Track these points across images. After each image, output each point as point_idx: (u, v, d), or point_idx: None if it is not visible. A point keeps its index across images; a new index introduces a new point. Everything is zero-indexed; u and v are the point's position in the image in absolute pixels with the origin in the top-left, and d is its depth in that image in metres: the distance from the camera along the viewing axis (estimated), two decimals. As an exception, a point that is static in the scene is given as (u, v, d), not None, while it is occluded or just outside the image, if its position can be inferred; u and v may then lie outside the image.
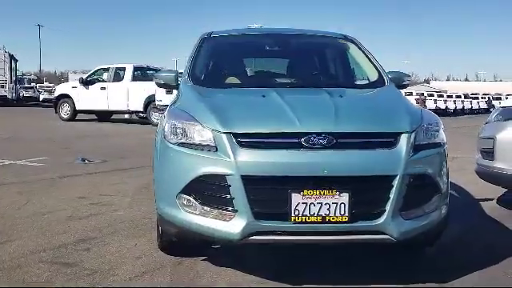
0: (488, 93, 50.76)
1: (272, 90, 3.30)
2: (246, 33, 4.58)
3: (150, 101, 15.59)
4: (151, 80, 16.25)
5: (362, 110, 3.08)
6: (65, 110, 17.28)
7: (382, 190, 2.65)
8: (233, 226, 2.63)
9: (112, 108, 16.58)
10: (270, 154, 2.64)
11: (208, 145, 2.74)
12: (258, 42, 4.40)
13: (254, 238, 2.63)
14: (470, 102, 41.17)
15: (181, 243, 3.22)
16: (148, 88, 15.58)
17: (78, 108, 16.98)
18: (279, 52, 4.34)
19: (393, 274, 3.06)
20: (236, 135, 2.68)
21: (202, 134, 2.79)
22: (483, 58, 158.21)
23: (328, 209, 2.59)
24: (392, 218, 2.64)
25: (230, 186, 2.62)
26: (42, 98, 36.00)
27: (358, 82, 3.96)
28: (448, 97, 38.83)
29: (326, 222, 2.60)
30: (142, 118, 18.10)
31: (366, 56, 4.15)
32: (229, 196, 2.63)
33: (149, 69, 17.66)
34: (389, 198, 2.64)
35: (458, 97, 40.76)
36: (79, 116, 17.52)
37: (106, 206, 4.75)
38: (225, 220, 2.66)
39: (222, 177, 2.64)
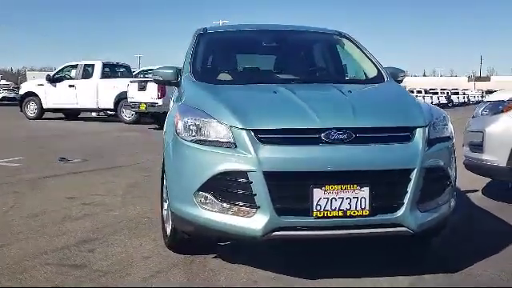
0: (445, 88, 52.34)
1: (280, 85, 3.31)
2: (242, 29, 4.55)
3: (120, 98, 15.31)
4: (121, 77, 16.25)
5: (377, 105, 3.12)
6: (31, 109, 16.76)
7: (401, 183, 2.69)
8: (255, 222, 2.63)
9: (81, 106, 16.19)
10: (291, 149, 2.64)
11: (227, 141, 2.72)
12: (255, 37, 4.39)
13: (276, 233, 2.63)
14: (431, 97, 42.24)
15: (192, 241, 3.20)
16: (118, 85, 15.32)
17: (45, 106, 16.51)
18: (277, 48, 4.34)
19: (400, 264, 3.11)
20: (256, 132, 2.67)
21: (219, 130, 2.76)
22: (440, 54, 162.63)
23: (349, 203, 2.62)
24: (410, 211, 2.70)
25: (251, 182, 2.61)
26: (0, 96, 34.77)
27: (360, 78, 3.99)
28: (409, 92, 39.68)
29: (347, 217, 2.63)
30: (110, 116, 17.77)
31: (363, 52, 4.20)
32: (250, 192, 2.62)
33: (118, 65, 17.35)
34: (407, 191, 2.69)
35: (419, 92, 41.76)
36: (46, 114, 17.03)
37: (99, 206, 4.64)
38: (246, 216, 2.65)
39: (244, 173, 2.62)
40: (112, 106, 15.68)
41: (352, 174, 2.62)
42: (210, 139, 2.78)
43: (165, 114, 11.35)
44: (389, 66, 4.08)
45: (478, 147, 4.64)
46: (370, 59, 4.11)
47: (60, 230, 3.87)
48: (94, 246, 3.50)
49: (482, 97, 59.20)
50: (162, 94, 12.67)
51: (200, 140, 2.80)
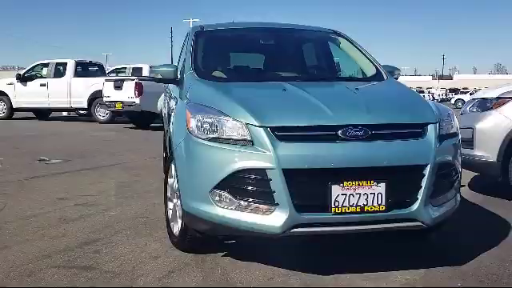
0: (410, 87, 53.60)
1: (287, 83, 3.33)
2: (239, 27, 4.56)
3: (94, 97, 15.01)
4: (94, 76, 15.92)
5: (388, 102, 3.18)
6: (0, 109, 16.25)
7: (415, 178, 2.75)
8: (273, 219, 2.64)
9: (53, 105, 15.78)
10: (310, 146, 2.66)
11: (243, 139, 2.72)
12: (254, 36, 4.40)
13: (294, 230, 2.65)
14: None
15: (202, 240, 3.18)
16: (92, 84, 15.02)
17: (15, 106, 16.02)
18: (276, 46, 4.36)
19: (403, 256, 3.18)
20: (273, 129, 2.68)
21: (235, 128, 2.76)
22: (404, 53, 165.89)
23: (366, 199, 2.66)
24: (424, 206, 2.76)
25: (270, 179, 2.62)
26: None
27: (361, 75, 4.04)
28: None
29: (365, 212, 2.67)
30: (82, 116, 17.40)
31: (360, 50, 4.27)
32: (269, 190, 2.63)
33: (91, 64, 17.00)
34: (421, 186, 2.75)
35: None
36: (16, 114, 16.55)
37: (93, 207, 4.56)
38: (264, 214, 2.66)
39: (262, 171, 2.63)
40: (85, 106, 15.35)
41: (369, 170, 2.67)
42: (225, 137, 2.77)
43: (143, 112, 11.16)
44: (385, 65, 4.15)
45: (468, 143, 4.76)
46: (367, 57, 4.17)
47: (59, 232, 3.78)
48: (98, 247, 3.44)
49: (446, 95, 60.79)
50: (140, 92, 12.50)
51: (215, 138, 2.79)
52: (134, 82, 12.67)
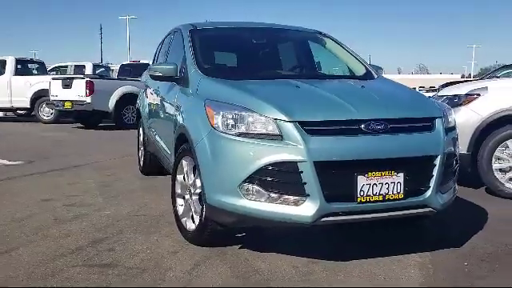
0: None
1: (296, 81, 3.49)
2: (233, 26, 4.67)
3: (37, 96, 14.40)
4: (36, 74, 15.24)
5: (398, 98, 3.41)
6: None
7: (428, 168, 3.01)
8: (305, 209, 2.78)
9: (-9, 105, 14.96)
10: (337, 140, 2.84)
11: (272, 134, 2.84)
12: (248, 35, 4.51)
13: (324, 219, 2.81)
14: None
15: (220, 234, 3.27)
16: (35, 82, 14.41)
17: None
18: (271, 45, 4.52)
19: (405, 242, 3.44)
20: (302, 124, 2.82)
21: (263, 123, 2.87)
22: (372, 52, 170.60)
23: (387, 188, 2.88)
24: (435, 193, 3.02)
25: (301, 171, 2.76)
26: None
27: (355, 74, 4.25)
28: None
29: (386, 200, 2.89)
30: (21, 116, 16.61)
31: (346, 49, 4.51)
32: (300, 181, 2.77)
33: (32, 62, 16.28)
34: (433, 175, 3.01)
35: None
36: None
37: (84, 207, 4.48)
38: (295, 205, 2.80)
39: (294, 163, 2.77)
40: (28, 105, 14.68)
41: (390, 161, 2.88)
42: (253, 132, 2.88)
43: (93, 112, 10.85)
44: (370, 64, 4.42)
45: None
46: (355, 57, 4.42)
47: (61, 232, 3.72)
48: (109, 245, 3.43)
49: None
50: (91, 91, 12.16)
51: (244, 133, 2.89)
52: (85, 80, 12.32)
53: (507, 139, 4.86)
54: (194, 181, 3.35)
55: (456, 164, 3.30)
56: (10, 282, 2.80)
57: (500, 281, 2.84)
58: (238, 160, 2.88)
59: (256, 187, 2.85)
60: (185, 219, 3.53)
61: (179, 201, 3.64)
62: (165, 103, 4.31)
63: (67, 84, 12.55)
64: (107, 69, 18.99)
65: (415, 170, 2.97)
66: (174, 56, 4.65)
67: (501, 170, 4.90)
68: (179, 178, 3.61)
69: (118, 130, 12.44)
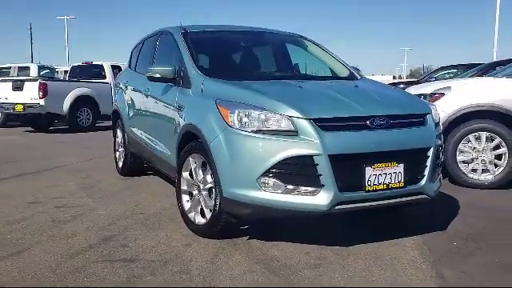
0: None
1: (295, 81, 3.76)
2: (222, 29, 4.85)
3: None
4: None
5: (393, 96, 3.73)
6: None
7: (423, 159, 3.35)
8: (320, 199, 3.04)
9: None
10: (348, 134, 3.12)
11: (288, 130, 3.07)
12: (238, 37, 4.72)
13: (337, 207, 3.08)
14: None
15: (231, 226, 3.46)
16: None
17: None
18: (260, 48, 4.75)
19: (396, 228, 3.78)
20: (316, 120, 3.08)
21: (278, 121, 3.10)
22: None
23: (390, 178, 3.19)
24: (428, 181, 3.37)
25: (317, 164, 3.02)
26: None
27: (341, 75, 4.55)
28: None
29: (389, 189, 3.20)
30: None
31: (327, 52, 4.83)
32: (316, 173, 3.02)
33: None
34: (426, 165, 3.36)
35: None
36: None
37: (77, 208, 4.50)
38: (312, 195, 3.05)
39: (310, 157, 3.02)
40: (-29, 109, 14.00)
41: (393, 153, 3.20)
42: (270, 129, 3.10)
43: (48, 115, 10.60)
44: (351, 66, 4.75)
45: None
46: (336, 59, 4.74)
47: (65, 233, 3.75)
48: (121, 242, 3.53)
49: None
50: (45, 93, 11.83)
51: (261, 130, 3.10)
52: (38, 82, 11.96)
53: (469, 134, 5.35)
54: (204, 176, 3.52)
55: (442, 155, 3.68)
56: (37, 278, 2.86)
57: (487, 257, 3.21)
58: (257, 155, 3.08)
59: (274, 180, 3.07)
60: (192, 214, 3.68)
61: (185, 197, 3.79)
62: (160, 103, 4.42)
63: (18, 86, 12.14)
64: (52, 70, 18.46)
65: (412, 160, 3.30)
66: (163, 58, 4.78)
67: (464, 161, 5.39)
68: (185, 174, 3.76)
69: (71, 133, 12.18)
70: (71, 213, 4.33)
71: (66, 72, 18.50)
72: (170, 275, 2.91)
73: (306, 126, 3.06)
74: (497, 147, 5.29)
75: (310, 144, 3.02)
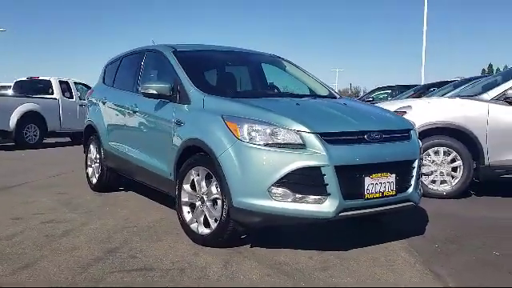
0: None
1: (290, 99, 4.08)
2: (209, 49, 5.06)
3: None
4: None
5: (381, 114, 4.09)
6: None
7: (410, 169, 3.74)
8: (327, 206, 3.32)
9: None
10: (349, 147, 3.43)
11: (296, 143, 3.34)
12: (226, 57, 4.97)
13: (341, 214, 3.37)
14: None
15: (236, 235, 3.66)
16: None
17: None
18: (246, 67, 5.02)
19: (382, 234, 4.13)
20: (321, 134, 3.37)
21: (286, 135, 3.36)
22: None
23: (385, 186, 3.54)
24: (414, 190, 3.75)
25: (324, 174, 3.30)
26: None
27: (323, 94, 4.89)
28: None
29: (384, 197, 3.54)
30: None
31: (305, 72, 5.19)
32: (323, 183, 3.31)
33: None
34: (412, 175, 3.74)
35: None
36: None
37: (65, 223, 4.48)
38: (318, 203, 3.32)
39: (318, 168, 3.30)
40: None
41: (386, 164, 3.55)
42: (278, 142, 3.35)
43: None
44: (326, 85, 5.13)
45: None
46: (313, 78, 5.10)
47: (65, 247, 3.75)
48: (128, 253, 3.60)
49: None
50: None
51: (270, 143, 3.35)
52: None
53: (429, 148, 5.87)
54: (209, 188, 3.70)
55: (421, 166, 4.09)
56: (62, 289, 2.91)
57: (467, 256, 3.62)
58: (268, 166, 3.32)
59: (283, 189, 3.32)
60: (195, 225, 3.84)
61: (185, 208, 3.94)
62: (152, 119, 4.53)
63: None
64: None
65: (402, 171, 3.67)
66: (151, 75, 4.92)
67: (424, 174, 5.90)
68: (186, 187, 3.92)
69: (19, 150, 11.75)
70: (62, 228, 4.33)
71: (1, 87, 17.73)
72: (191, 281, 3.06)
73: (312, 139, 3.34)
74: (453, 160, 5.84)
75: (317, 156, 3.30)
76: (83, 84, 14.30)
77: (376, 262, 3.47)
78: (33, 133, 12.32)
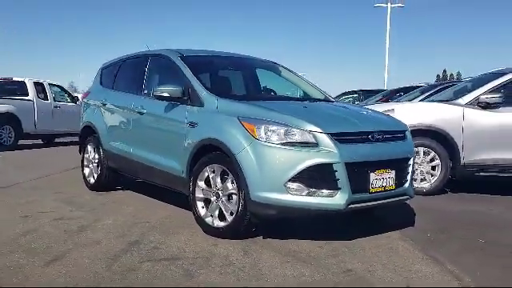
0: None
1: (298, 102, 4.42)
2: (212, 54, 5.35)
3: None
4: None
5: (379, 116, 4.48)
6: None
7: (406, 166, 4.15)
8: (338, 199, 3.68)
9: None
10: (357, 146, 3.81)
11: (310, 142, 3.68)
12: (229, 62, 5.28)
13: (350, 206, 3.73)
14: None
15: (255, 226, 3.97)
16: None
17: None
18: (249, 72, 5.35)
19: (379, 225, 4.52)
20: (333, 134, 3.73)
21: (301, 135, 3.70)
22: None
23: (386, 181, 3.93)
24: (409, 184, 4.16)
25: (336, 171, 3.66)
26: None
27: (320, 98, 5.26)
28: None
29: (385, 191, 3.93)
30: None
31: (300, 77, 5.56)
32: (335, 178, 3.66)
33: None
34: (408, 171, 4.16)
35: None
36: None
37: (77, 220, 4.66)
38: (330, 196, 3.67)
39: (330, 165, 3.65)
40: None
41: (388, 161, 3.95)
42: (294, 141, 3.68)
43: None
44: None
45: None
46: (310, 84, 5.48)
47: (87, 241, 3.93)
48: (150, 245, 3.84)
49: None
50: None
51: (287, 142, 3.68)
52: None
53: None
54: (225, 184, 3.99)
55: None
56: (97, 278, 3.13)
57: (458, 243, 4.05)
58: (285, 163, 3.65)
59: (298, 184, 3.65)
60: (209, 219, 4.12)
61: (200, 204, 4.22)
62: (163, 120, 4.76)
63: None
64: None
65: (400, 167, 4.08)
66: (157, 79, 5.18)
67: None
68: (200, 183, 4.19)
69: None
70: (75, 224, 4.50)
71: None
72: (220, 267, 3.35)
73: (325, 139, 3.69)
74: (432, 160, 6.33)
75: (329, 154, 3.66)
76: (58, 86, 14.21)
77: (379, 248, 3.85)
78: (8, 134, 12.19)
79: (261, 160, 3.72)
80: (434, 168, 6.34)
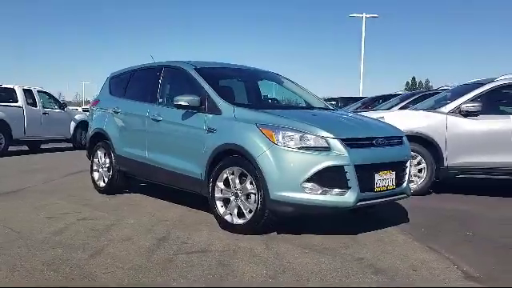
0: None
1: (306, 110, 4.90)
2: (223, 66, 5.81)
3: None
4: None
5: (379, 123, 4.99)
6: None
7: (404, 168, 4.66)
8: (348, 197, 4.15)
9: None
10: (364, 150, 4.30)
11: (323, 147, 4.16)
12: (237, 73, 5.75)
13: (359, 203, 4.22)
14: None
15: (274, 222, 4.40)
16: None
17: None
18: (254, 82, 5.82)
19: (377, 223, 5.01)
20: (343, 140, 4.21)
21: (315, 140, 4.16)
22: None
23: (388, 181, 4.43)
24: (406, 184, 4.68)
25: (346, 172, 4.14)
26: None
27: (322, 106, 5.74)
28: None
29: (387, 189, 4.44)
30: None
31: (300, 87, 6.06)
32: (346, 178, 4.14)
33: None
34: (406, 172, 4.68)
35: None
36: None
37: (101, 220, 4.96)
38: (341, 195, 4.15)
39: (341, 167, 4.13)
40: None
41: (390, 164, 4.45)
42: (309, 146, 4.15)
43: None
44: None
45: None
46: (309, 93, 5.97)
47: (118, 238, 4.29)
48: (178, 240, 4.22)
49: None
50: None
51: (303, 147, 4.14)
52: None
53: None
54: (244, 185, 4.43)
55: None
56: (142, 268, 3.50)
57: (452, 237, 4.58)
58: (301, 165, 4.11)
59: (313, 184, 4.11)
60: (228, 216, 4.54)
61: (219, 203, 4.64)
62: (181, 127, 5.15)
63: None
64: None
65: (399, 169, 4.59)
66: (172, 89, 5.59)
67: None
68: (219, 184, 4.61)
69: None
70: (101, 223, 4.85)
71: None
72: (248, 257, 3.77)
73: (336, 144, 4.17)
74: (419, 163, 6.90)
75: (341, 157, 4.14)
76: (46, 92, 14.37)
77: (382, 241, 4.34)
78: (-3, 142, 12.31)
79: (279, 163, 4.16)
80: (420, 171, 6.91)
